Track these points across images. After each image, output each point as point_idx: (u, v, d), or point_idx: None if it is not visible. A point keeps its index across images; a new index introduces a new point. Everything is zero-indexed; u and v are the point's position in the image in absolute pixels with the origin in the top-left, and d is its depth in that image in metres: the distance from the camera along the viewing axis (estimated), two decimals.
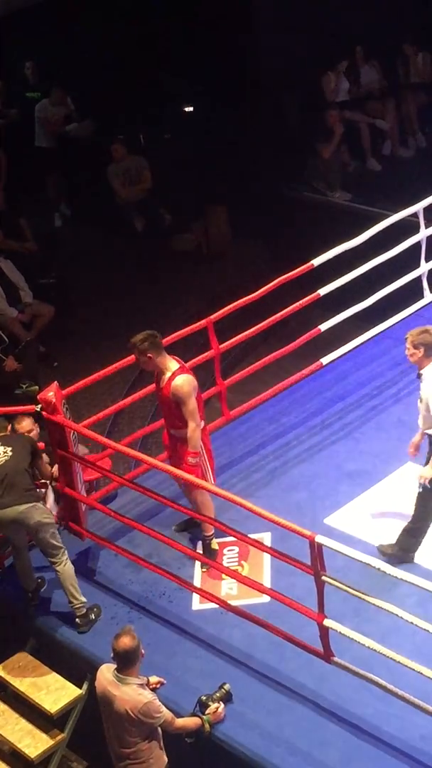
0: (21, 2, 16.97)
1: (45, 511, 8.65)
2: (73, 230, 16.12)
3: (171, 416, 8.92)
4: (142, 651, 7.51)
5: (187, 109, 16.91)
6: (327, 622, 7.91)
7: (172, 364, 8.83)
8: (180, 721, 7.69)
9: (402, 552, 8.79)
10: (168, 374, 8.78)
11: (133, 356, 9.16)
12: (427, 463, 8.66)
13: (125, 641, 7.40)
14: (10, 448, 8.75)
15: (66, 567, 8.68)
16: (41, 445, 9.48)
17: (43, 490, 9.35)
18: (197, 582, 9.04)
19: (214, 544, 9.20)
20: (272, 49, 16.14)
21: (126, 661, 7.44)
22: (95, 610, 8.81)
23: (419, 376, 8.67)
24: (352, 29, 16.24)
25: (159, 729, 7.55)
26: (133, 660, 7.44)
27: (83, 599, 8.74)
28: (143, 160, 16.12)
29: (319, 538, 7.71)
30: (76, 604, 8.71)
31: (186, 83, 16.83)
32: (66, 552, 8.74)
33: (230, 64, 16.22)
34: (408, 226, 11.47)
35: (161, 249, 15.87)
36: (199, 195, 16.17)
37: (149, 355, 8.76)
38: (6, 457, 8.68)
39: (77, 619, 8.73)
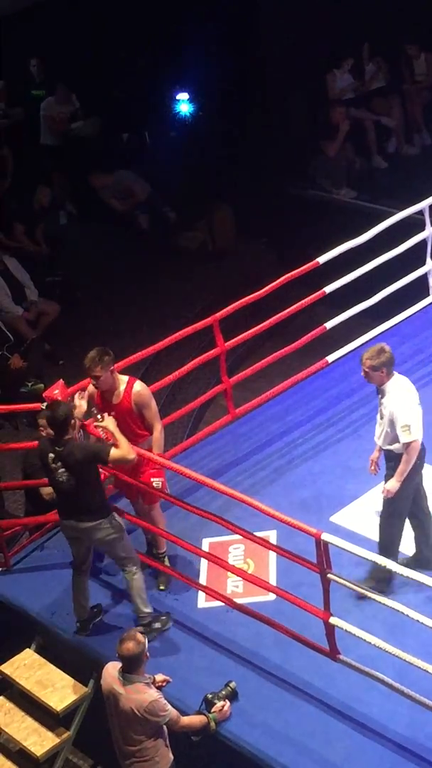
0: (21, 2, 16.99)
1: (113, 526, 8.43)
2: (78, 228, 16.13)
3: (132, 429, 8.77)
4: (147, 654, 7.49)
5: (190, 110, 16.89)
6: (333, 620, 7.90)
7: (122, 376, 8.82)
8: (186, 719, 7.68)
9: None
10: (123, 386, 8.71)
11: (131, 358, 9.08)
12: (387, 478, 8.56)
13: (129, 646, 7.39)
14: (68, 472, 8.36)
15: (135, 578, 8.53)
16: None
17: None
18: (203, 580, 9.03)
19: (166, 561, 9.16)
20: (277, 46, 16.12)
21: (130, 664, 7.44)
22: (162, 618, 8.67)
23: (379, 391, 8.57)
24: (357, 27, 16.22)
25: (164, 727, 7.55)
26: (137, 663, 7.44)
27: (149, 610, 8.61)
28: (128, 174, 16.09)
29: (326, 536, 7.71)
30: (141, 614, 8.61)
31: (192, 80, 16.82)
32: (138, 562, 8.61)
33: (235, 62, 16.21)
34: (414, 224, 11.45)
35: (166, 247, 15.88)
36: (204, 193, 16.16)
37: (112, 368, 8.67)
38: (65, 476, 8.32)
39: (140, 629, 8.51)
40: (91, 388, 8.81)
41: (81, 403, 8.67)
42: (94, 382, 8.66)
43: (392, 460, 8.55)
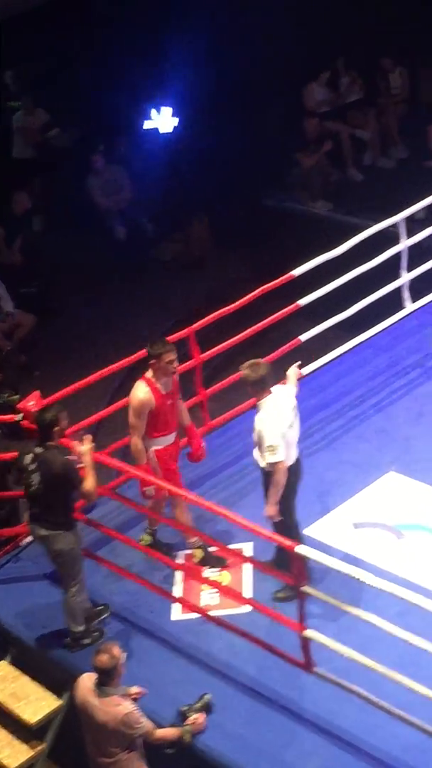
0: (2, 12, 16.96)
1: (69, 542, 8.41)
2: (54, 239, 16.11)
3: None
4: (122, 667, 7.46)
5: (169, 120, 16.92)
6: (308, 633, 7.91)
7: None
8: (160, 732, 7.67)
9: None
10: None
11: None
12: (265, 497, 8.53)
13: (103, 659, 7.38)
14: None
15: (73, 599, 8.51)
16: None
17: None
18: (178, 592, 9.02)
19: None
20: (254, 59, 16.17)
21: (105, 677, 7.43)
22: (94, 634, 8.64)
23: (256, 407, 8.58)
24: (333, 41, 16.30)
25: (139, 739, 7.53)
26: (112, 676, 7.43)
27: (80, 628, 8.59)
28: (123, 170, 16.15)
29: (300, 548, 7.72)
30: (72, 629, 8.60)
31: (170, 93, 16.87)
32: (81, 583, 8.55)
33: (213, 75, 16.24)
34: (389, 237, 11.49)
35: (142, 258, 15.88)
36: (181, 204, 16.18)
37: None
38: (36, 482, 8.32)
39: (68, 639, 8.63)
40: (150, 397, 8.77)
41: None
42: (173, 367, 8.82)
43: (266, 476, 8.54)
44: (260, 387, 8.46)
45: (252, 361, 8.61)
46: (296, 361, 9.35)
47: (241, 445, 10.46)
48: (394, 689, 7.61)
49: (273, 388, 8.55)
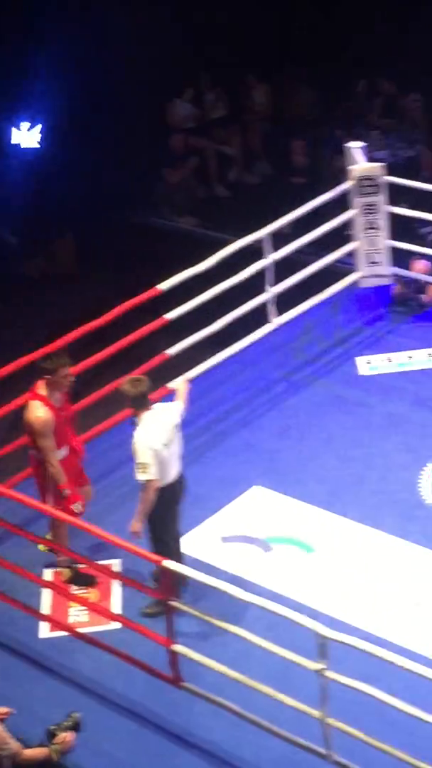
0: None
1: None
2: None
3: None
4: None
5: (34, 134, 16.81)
6: (176, 648, 7.90)
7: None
8: (28, 752, 7.56)
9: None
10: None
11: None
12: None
13: None
14: None
15: None
16: None
17: None
18: (46, 609, 8.94)
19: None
20: (119, 74, 16.17)
21: None
22: None
23: (133, 423, 8.60)
24: (197, 57, 16.40)
25: (7, 760, 7.43)
26: None
27: None
28: None
29: (167, 563, 7.71)
30: None
31: (34, 108, 16.76)
32: None
33: (79, 90, 16.20)
34: (254, 252, 11.56)
35: (7, 273, 15.72)
36: (46, 220, 16.08)
37: None
38: None
39: None
40: (50, 415, 8.66)
41: None
42: (69, 381, 8.77)
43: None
44: (139, 403, 8.45)
45: (133, 376, 8.62)
46: (163, 376, 9.35)
47: (109, 460, 10.42)
48: (264, 702, 7.63)
49: (155, 405, 8.55)
